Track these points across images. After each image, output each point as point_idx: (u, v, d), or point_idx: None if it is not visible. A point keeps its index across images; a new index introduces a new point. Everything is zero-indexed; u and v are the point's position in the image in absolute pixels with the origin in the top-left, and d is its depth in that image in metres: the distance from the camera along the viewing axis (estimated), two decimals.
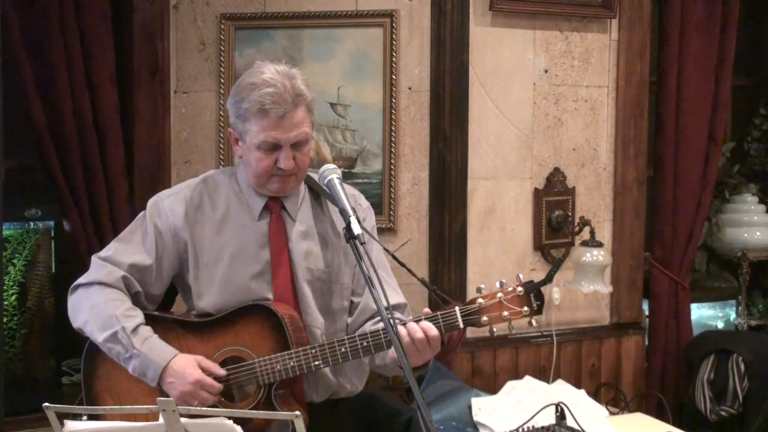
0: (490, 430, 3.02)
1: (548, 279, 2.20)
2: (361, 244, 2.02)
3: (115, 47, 3.10)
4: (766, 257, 4.21)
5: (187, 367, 2.20)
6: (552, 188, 3.63)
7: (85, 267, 3.08)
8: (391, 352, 2.22)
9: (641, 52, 3.76)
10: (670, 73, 3.82)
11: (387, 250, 2.43)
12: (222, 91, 3.28)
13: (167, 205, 2.36)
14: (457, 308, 2.17)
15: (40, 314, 3.15)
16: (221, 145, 3.29)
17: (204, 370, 2.21)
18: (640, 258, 3.84)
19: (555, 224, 3.64)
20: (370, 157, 3.37)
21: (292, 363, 2.21)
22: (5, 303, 2.99)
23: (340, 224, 2.34)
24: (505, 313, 2.16)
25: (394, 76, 3.34)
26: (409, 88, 3.40)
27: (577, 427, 2.88)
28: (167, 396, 2.22)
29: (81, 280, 2.36)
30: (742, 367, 3.61)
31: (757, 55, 4.40)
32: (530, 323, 2.18)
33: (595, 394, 3.55)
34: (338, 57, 3.33)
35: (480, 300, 2.17)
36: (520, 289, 2.16)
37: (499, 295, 2.16)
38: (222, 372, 2.23)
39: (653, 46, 3.86)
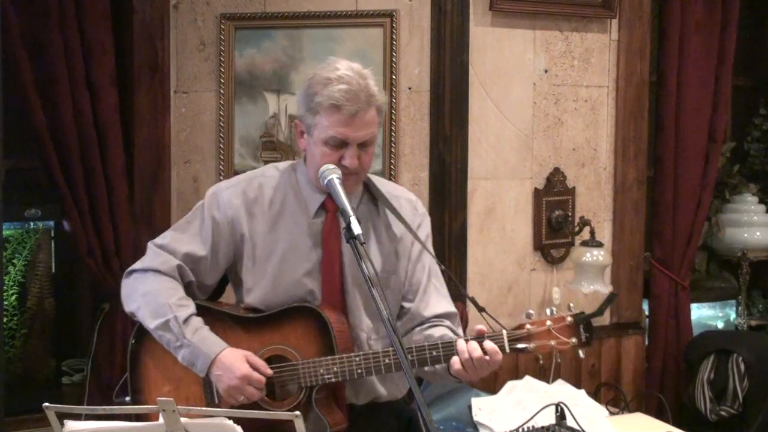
0: (490, 430, 3.02)
1: (599, 312, 2.18)
2: (361, 244, 2.01)
3: (115, 47, 3.10)
4: (766, 257, 4.21)
5: (236, 361, 2.19)
6: (552, 188, 3.64)
7: (85, 267, 3.11)
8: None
9: (641, 52, 3.76)
10: (670, 73, 3.82)
11: (440, 264, 2.39)
12: (222, 91, 3.28)
13: (226, 197, 2.35)
14: (504, 332, 2.14)
15: (40, 314, 3.15)
16: (221, 145, 3.29)
17: (251, 365, 2.21)
18: (640, 258, 3.84)
19: (555, 224, 3.64)
20: None
21: (335, 368, 2.20)
22: (5, 303, 2.99)
23: (397, 228, 2.35)
24: (553, 342, 2.13)
25: (394, 76, 3.34)
26: (409, 88, 3.40)
27: (577, 427, 2.88)
28: (214, 387, 2.24)
29: (137, 265, 2.36)
30: (742, 367, 3.61)
31: (757, 55, 4.40)
32: (578, 354, 2.17)
33: (595, 394, 3.54)
34: (338, 57, 3.32)
35: (528, 326, 2.14)
36: (570, 318, 2.14)
37: (549, 323, 2.13)
38: (269, 371, 2.23)
39: (653, 46, 3.87)
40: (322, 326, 2.22)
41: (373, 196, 2.38)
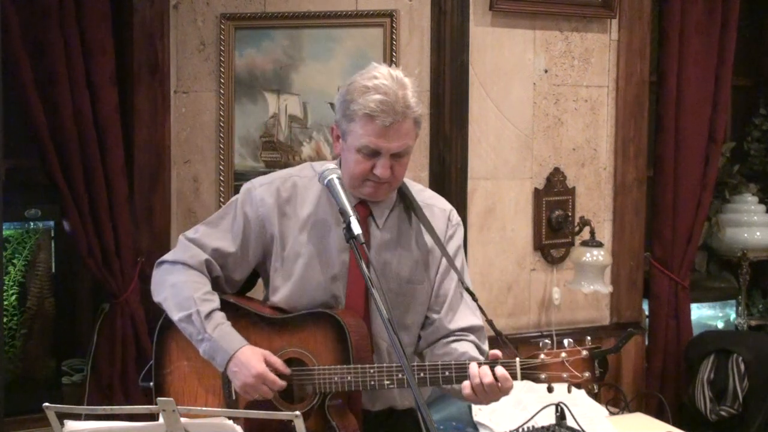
0: (490, 430, 3.02)
1: (616, 349, 2.15)
2: (361, 244, 2.01)
3: (115, 47, 3.10)
4: (766, 257, 4.21)
5: (252, 359, 2.20)
6: (552, 188, 3.64)
7: (84, 267, 3.11)
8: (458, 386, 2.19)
9: (641, 52, 3.76)
10: (670, 73, 3.82)
11: (462, 282, 2.35)
12: (222, 91, 3.28)
13: (258, 195, 2.35)
14: (517, 360, 2.13)
15: (40, 314, 3.15)
16: (221, 145, 3.29)
17: (269, 365, 2.21)
18: (640, 258, 3.84)
19: (555, 224, 3.64)
20: None
21: (349, 378, 2.20)
22: (5, 303, 2.99)
23: (428, 238, 2.32)
24: (565, 374, 2.11)
25: None
26: None
27: (577, 427, 2.88)
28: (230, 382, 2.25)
29: (167, 257, 2.38)
30: (742, 367, 3.61)
31: (757, 55, 4.40)
32: (591, 389, 2.15)
33: (595, 394, 3.54)
34: (338, 57, 3.33)
35: (543, 356, 2.12)
36: (585, 353, 2.11)
37: (563, 355, 2.11)
38: (287, 370, 2.23)
39: (653, 46, 3.87)
40: (341, 335, 2.22)
41: (406, 204, 2.36)
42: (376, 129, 2.16)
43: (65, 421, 1.84)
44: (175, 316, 2.28)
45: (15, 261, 3.09)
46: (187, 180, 3.29)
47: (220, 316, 2.27)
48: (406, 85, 2.20)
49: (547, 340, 2.14)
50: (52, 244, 3.18)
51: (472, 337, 2.33)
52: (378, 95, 2.16)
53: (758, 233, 4.07)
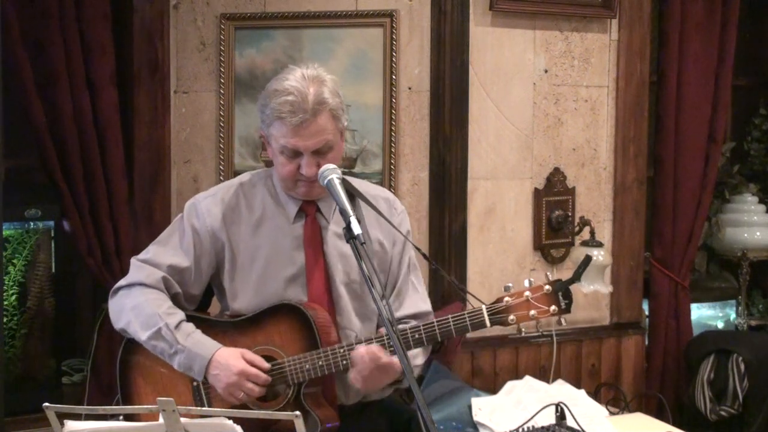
0: (490, 430, 3.02)
1: (576, 278, 2.18)
2: (362, 244, 2.02)
3: (115, 47, 3.10)
4: (766, 257, 4.21)
5: (231, 358, 2.21)
6: (552, 188, 3.64)
7: (85, 267, 3.11)
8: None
9: (641, 52, 3.76)
10: (670, 73, 3.82)
11: (424, 254, 2.37)
12: (222, 91, 3.28)
13: (204, 207, 2.38)
14: (483, 307, 2.17)
15: (40, 314, 3.15)
16: (221, 145, 3.29)
17: (248, 362, 2.22)
18: (640, 258, 3.84)
19: (555, 224, 3.64)
20: (370, 157, 3.37)
21: (320, 362, 2.22)
22: (5, 303, 2.99)
23: (373, 229, 2.36)
24: (533, 312, 2.15)
25: (394, 76, 3.34)
26: (409, 88, 3.40)
27: (577, 427, 2.88)
28: (210, 389, 2.25)
29: (121, 282, 2.39)
30: (742, 367, 3.61)
31: (757, 55, 4.40)
32: (559, 322, 2.17)
33: (595, 394, 3.55)
34: (338, 57, 3.33)
35: (507, 299, 2.16)
36: (547, 287, 2.15)
37: (527, 293, 2.16)
38: (266, 365, 2.24)
39: (653, 46, 3.86)
40: (305, 322, 2.25)
41: (351, 196, 2.38)
42: (288, 130, 2.21)
43: (65, 421, 1.84)
44: (143, 335, 2.28)
45: (15, 261, 3.09)
46: (187, 180, 3.29)
47: (189, 326, 2.29)
48: (321, 82, 2.24)
49: (509, 284, 2.17)
50: (52, 244, 3.18)
51: (413, 323, 2.34)
52: (286, 96, 2.20)
53: (758, 233, 4.07)
